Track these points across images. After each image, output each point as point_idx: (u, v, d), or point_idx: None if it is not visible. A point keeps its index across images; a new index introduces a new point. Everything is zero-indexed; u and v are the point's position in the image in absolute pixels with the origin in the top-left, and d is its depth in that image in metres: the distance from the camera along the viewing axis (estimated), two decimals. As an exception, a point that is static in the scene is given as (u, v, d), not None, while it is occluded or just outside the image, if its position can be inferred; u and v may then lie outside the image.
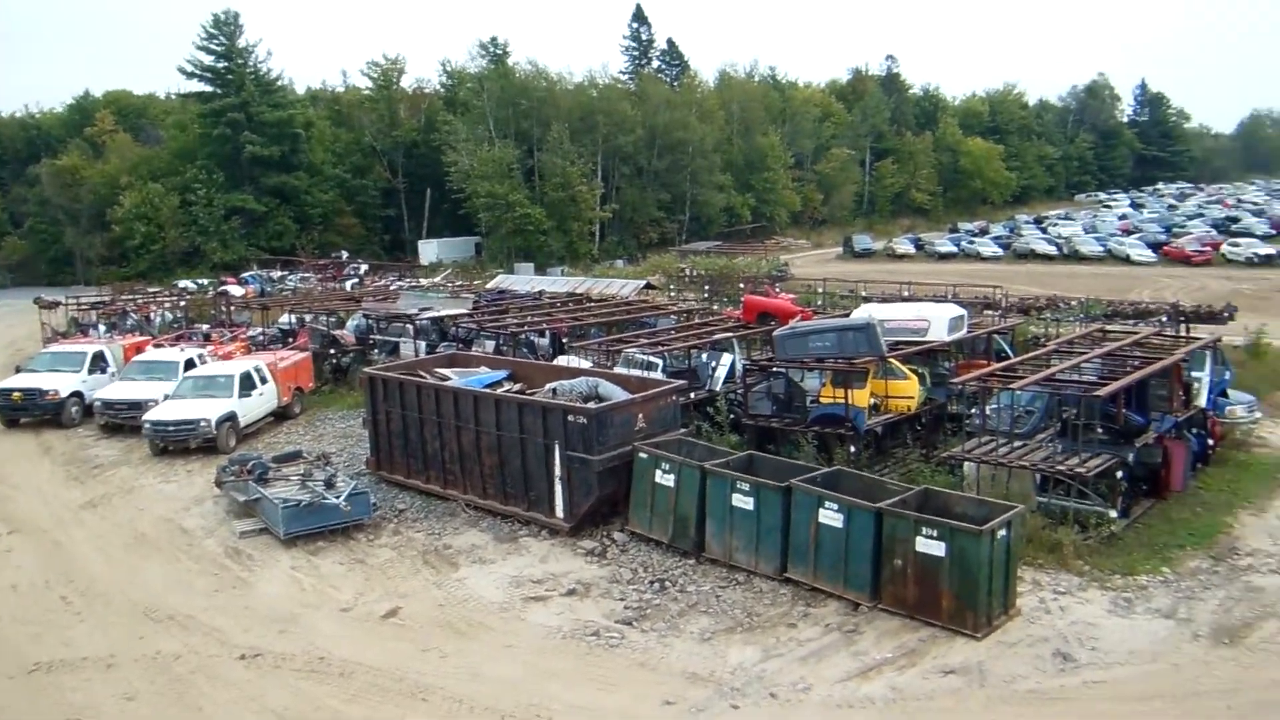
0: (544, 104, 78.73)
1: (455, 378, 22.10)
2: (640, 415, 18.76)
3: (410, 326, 32.47)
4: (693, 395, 23.17)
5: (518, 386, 21.78)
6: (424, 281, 59.03)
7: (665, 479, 17.70)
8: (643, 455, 18.12)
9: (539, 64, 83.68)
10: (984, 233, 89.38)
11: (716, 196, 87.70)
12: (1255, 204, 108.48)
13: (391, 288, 52.61)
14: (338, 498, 18.84)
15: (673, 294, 50.13)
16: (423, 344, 30.92)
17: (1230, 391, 24.14)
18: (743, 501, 16.49)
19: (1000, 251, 77.44)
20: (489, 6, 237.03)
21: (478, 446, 19.78)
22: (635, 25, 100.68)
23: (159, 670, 13.97)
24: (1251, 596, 15.44)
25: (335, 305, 39.69)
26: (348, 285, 58.72)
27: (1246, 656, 13.60)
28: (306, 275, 64.93)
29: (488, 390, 20.74)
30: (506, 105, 77.69)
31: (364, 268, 68.96)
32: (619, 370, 23.20)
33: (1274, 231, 79.45)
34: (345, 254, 75.28)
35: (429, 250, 78.69)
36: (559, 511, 18.55)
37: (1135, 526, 18.18)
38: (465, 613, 15.64)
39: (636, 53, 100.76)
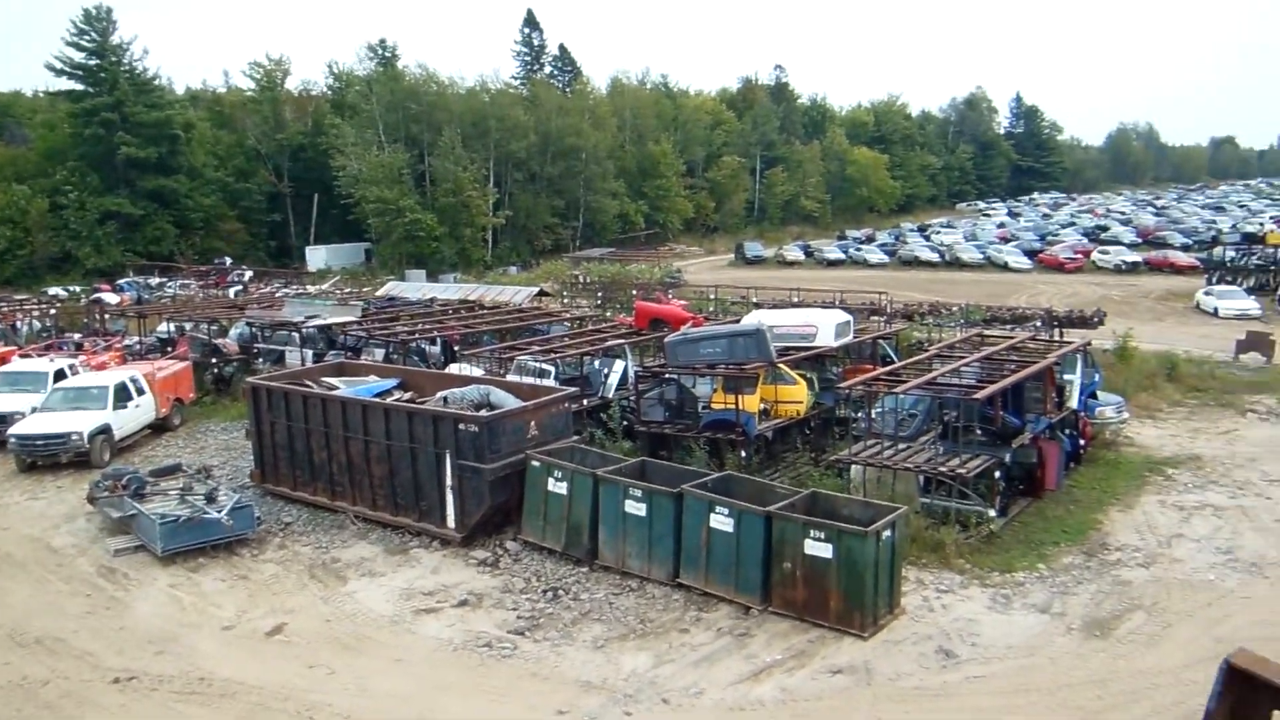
0: (435, 108, 77.86)
1: (343, 387, 21.64)
2: (533, 423, 18.66)
3: (296, 335, 31.68)
4: (585, 402, 23.17)
5: (408, 395, 21.44)
6: (311, 288, 57.69)
7: (558, 487, 17.65)
8: (535, 463, 18.03)
9: (429, 68, 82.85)
10: (870, 240, 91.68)
11: (610, 203, 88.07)
12: (1123, 213, 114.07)
13: (277, 295, 51.22)
14: (219, 512, 18.23)
15: (566, 301, 50.07)
16: (309, 353, 30.20)
17: (1100, 393, 25.23)
18: (635, 508, 16.55)
19: (886, 258, 79.55)
20: (376, 10, 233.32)
21: (367, 457, 19.41)
22: (527, 31, 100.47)
23: (25, 697, 13.28)
24: (1120, 590, 16.15)
25: (217, 313, 38.47)
26: (231, 292, 56.97)
27: (1116, 647, 14.22)
28: (187, 282, 62.80)
29: (377, 399, 20.38)
30: (396, 109, 76.56)
31: (248, 274, 66.99)
32: (511, 378, 23.06)
33: (1140, 240, 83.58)
34: (228, 260, 72.96)
35: (317, 256, 76.94)
36: (451, 522, 18.32)
37: (1013, 525, 18.85)
38: (354, 627, 15.30)
39: (529, 58, 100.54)
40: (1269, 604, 15.51)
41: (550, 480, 17.76)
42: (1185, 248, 75.01)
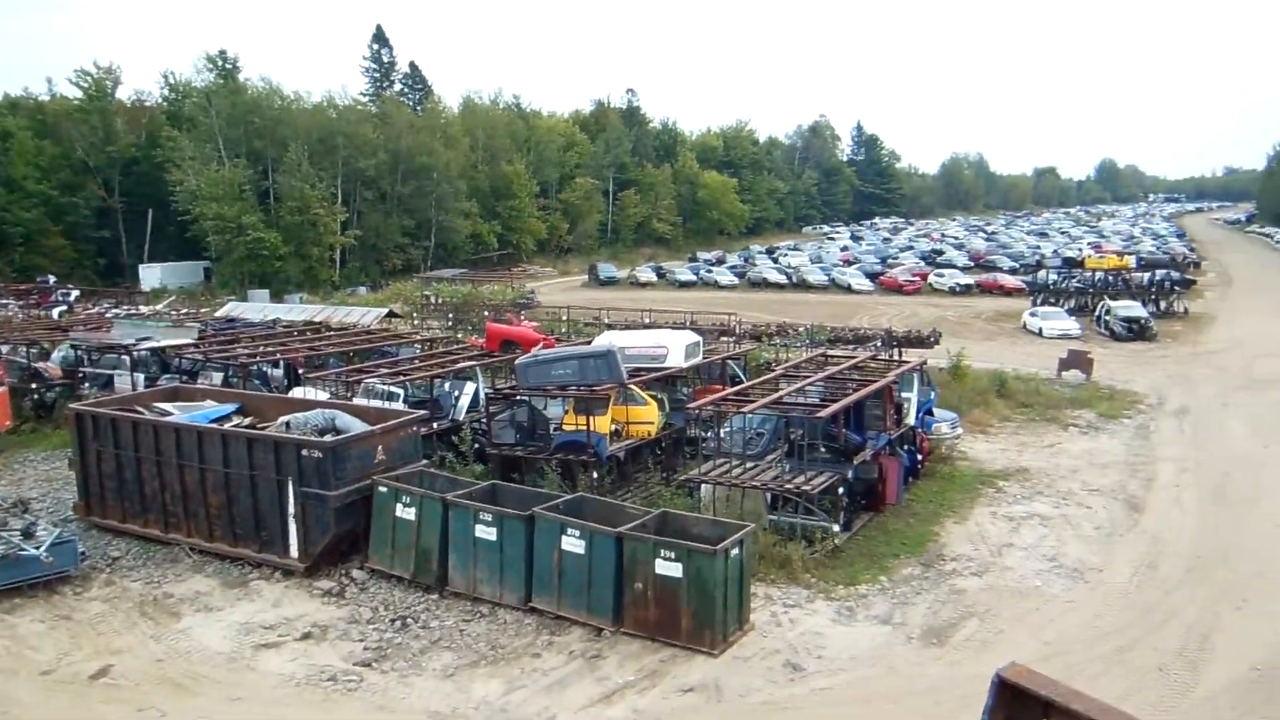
0: (279, 123, 75.50)
1: (177, 413, 20.63)
2: (380, 447, 18.22)
3: (127, 358, 30.05)
4: (435, 425, 22.81)
5: (248, 421, 20.61)
6: (144, 309, 54.89)
7: (406, 512, 17.26)
8: (383, 489, 17.60)
9: (273, 82, 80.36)
10: (721, 262, 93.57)
11: (462, 223, 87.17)
12: (956, 238, 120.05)
13: (106, 315, 48.51)
14: (37, 548, 17.05)
15: (416, 322, 49.20)
16: (141, 377, 28.68)
17: (936, 410, 26.36)
18: (486, 532, 16.33)
19: (736, 280, 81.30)
20: (215, 22, 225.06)
21: (203, 486, 18.54)
22: (376, 47, 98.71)
23: None
24: (955, 598, 16.86)
25: (38, 335, 36.14)
26: (54, 313, 53.60)
27: (952, 654, 14.82)
28: (5, 301, 58.81)
29: (214, 425, 19.50)
30: (237, 123, 73.87)
31: (74, 294, 63.16)
32: (358, 401, 22.48)
33: (973, 263, 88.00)
34: (52, 278, 68.54)
35: (151, 275, 73.30)
36: (293, 551, 17.66)
37: (856, 538, 19.47)
38: (188, 666, 14.54)
39: (378, 75, 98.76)
40: (1090, 607, 16.46)
41: (398, 506, 17.36)
42: (1013, 271, 79.28)
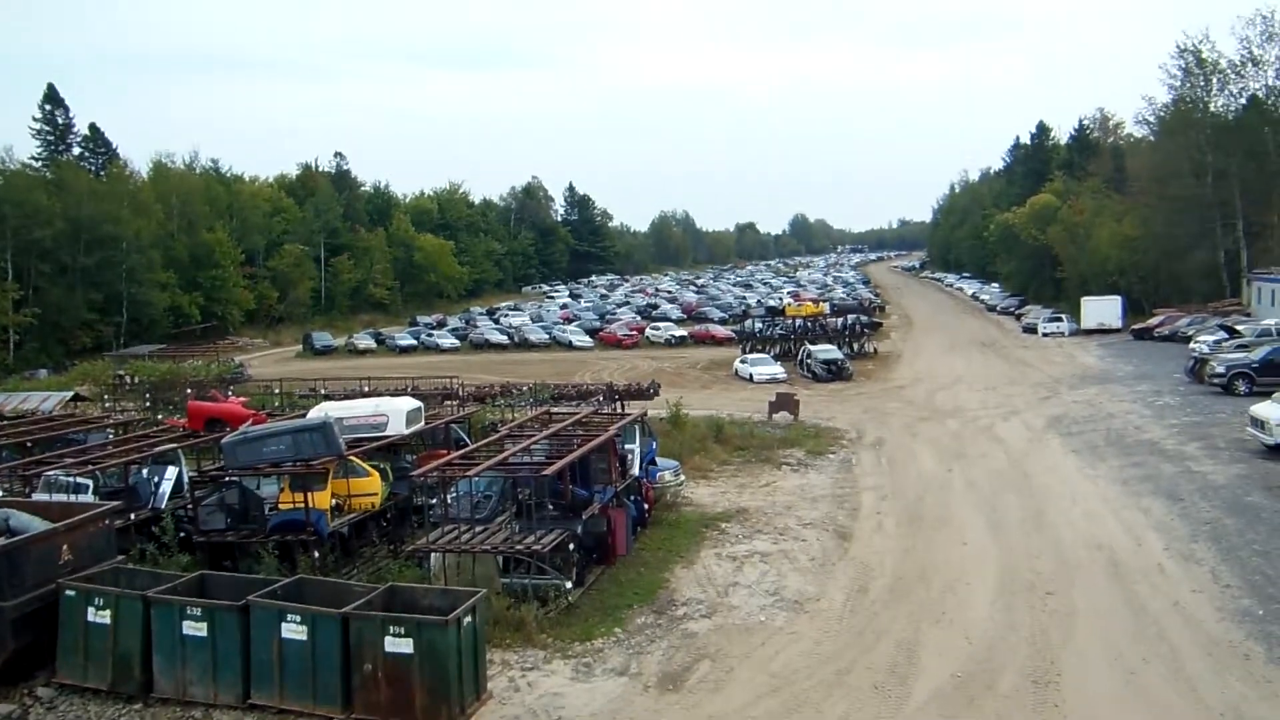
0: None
1: None
2: (65, 546, 16.39)
3: None
4: (133, 516, 20.91)
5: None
6: None
7: (100, 616, 15.57)
8: (70, 593, 15.81)
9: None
10: (442, 325, 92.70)
11: (159, 295, 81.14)
12: (669, 292, 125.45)
13: None
14: None
15: (108, 405, 45.07)
16: None
17: (658, 459, 27.12)
18: (195, 628, 15.00)
19: (458, 343, 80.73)
20: None
21: None
22: (49, 108, 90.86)
23: None
24: (687, 642, 17.24)
25: None
26: None
27: (687, 698, 15.10)
28: None
29: None
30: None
31: None
32: (38, 497, 20.20)
33: (685, 316, 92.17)
34: None
35: None
36: (-39, 675, 15.48)
37: (590, 593, 19.54)
38: None
39: (53, 138, 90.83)
40: (811, 636, 17.32)
41: (90, 610, 15.62)
42: (723, 321, 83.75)
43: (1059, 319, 69.65)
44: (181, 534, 20.52)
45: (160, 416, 38.11)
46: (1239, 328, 49.85)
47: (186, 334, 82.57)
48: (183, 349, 70.82)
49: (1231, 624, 16.90)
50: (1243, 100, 69.90)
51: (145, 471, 23.13)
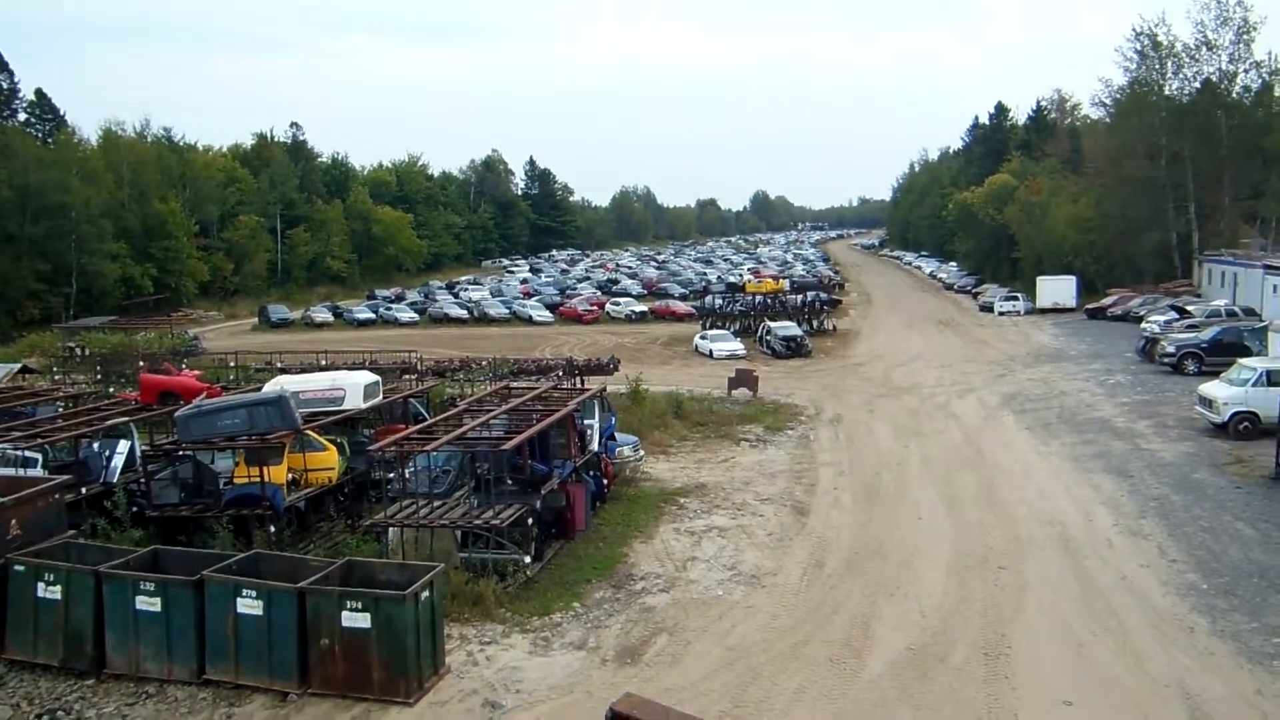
0: None
1: None
2: (13, 521, 16.13)
3: None
4: (84, 490, 20.59)
5: None
6: None
7: (50, 591, 15.39)
8: (19, 568, 15.59)
9: None
10: (400, 299, 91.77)
11: (110, 266, 79.44)
12: (630, 268, 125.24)
13: None
14: None
15: (58, 377, 44.24)
16: None
17: (618, 434, 27.15)
18: (148, 604, 14.88)
19: (416, 317, 79.97)
20: None
21: None
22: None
23: None
24: (645, 616, 17.35)
25: None
26: None
27: (645, 671, 15.21)
28: None
29: None
30: None
31: None
32: (-15, 471, 19.83)
33: (646, 291, 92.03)
34: None
35: None
36: (-93, 651, 15.22)
37: (548, 568, 19.58)
38: None
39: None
40: (768, 610, 17.51)
41: (40, 585, 15.44)
42: (683, 297, 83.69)
43: (1015, 298, 70.44)
44: (134, 509, 20.30)
45: (112, 390, 37.54)
46: (1189, 308, 50.83)
47: (139, 306, 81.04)
48: (135, 321, 69.46)
49: (1176, 597, 17.32)
50: (1196, 84, 70.67)
51: (96, 445, 22.74)
